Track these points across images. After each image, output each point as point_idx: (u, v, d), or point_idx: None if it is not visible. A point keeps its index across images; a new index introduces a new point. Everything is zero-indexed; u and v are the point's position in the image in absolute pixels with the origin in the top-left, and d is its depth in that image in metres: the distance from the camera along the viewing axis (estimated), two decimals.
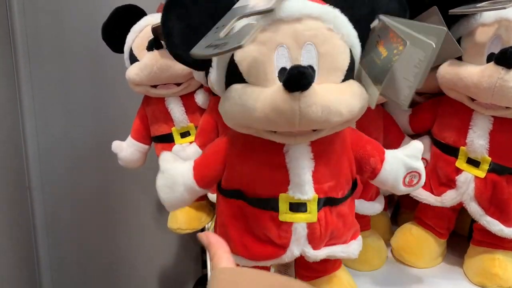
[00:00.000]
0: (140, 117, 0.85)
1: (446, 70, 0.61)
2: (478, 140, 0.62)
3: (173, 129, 0.81)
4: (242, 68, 0.46)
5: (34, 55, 1.02)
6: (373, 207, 0.71)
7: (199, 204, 0.89)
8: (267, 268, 0.59)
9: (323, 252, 0.54)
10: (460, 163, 0.65)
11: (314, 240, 0.53)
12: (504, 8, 0.53)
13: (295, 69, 0.42)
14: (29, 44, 1.01)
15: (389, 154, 0.55)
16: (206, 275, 1.13)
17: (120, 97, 0.95)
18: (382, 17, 0.50)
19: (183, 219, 0.86)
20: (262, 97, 0.44)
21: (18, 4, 0.99)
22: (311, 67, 0.46)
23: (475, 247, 0.70)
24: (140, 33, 0.79)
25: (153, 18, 0.78)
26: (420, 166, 0.56)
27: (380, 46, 0.48)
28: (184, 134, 0.81)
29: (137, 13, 0.81)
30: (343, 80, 0.48)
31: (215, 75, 0.51)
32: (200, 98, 0.80)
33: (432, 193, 0.69)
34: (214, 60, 0.50)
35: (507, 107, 0.58)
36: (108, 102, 1.04)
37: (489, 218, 0.65)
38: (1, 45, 0.97)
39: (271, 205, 0.51)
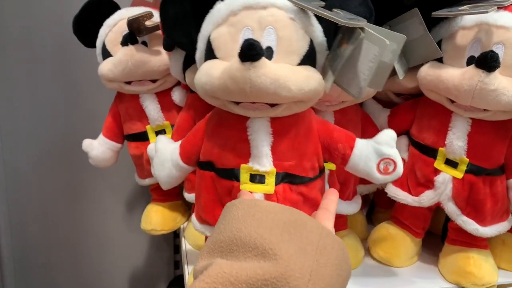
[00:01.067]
0: (112, 115, 0.82)
1: (427, 71, 0.62)
2: (457, 141, 0.63)
3: (147, 127, 0.78)
4: (214, 45, 0.54)
5: None
6: (350, 207, 0.72)
7: (174, 204, 0.87)
8: None
9: None
10: (439, 164, 0.66)
11: None
12: (486, 12, 0.54)
13: (246, 41, 0.48)
14: None
15: (360, 141, 0.59)
16: (179, 276, 1.11)
17: (91, 93, 0.91)
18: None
19: (157, 220, 0.84)
20: (223, 67, 0.51)
21: None
22: (269, 48, 0.52)
23: (450, 246, 0.71)
24: (113, 27, 0.75)
25: (128, 12, 0.75)
26: (394, 153, 0.58)
27: (343, 43, 0.52)
28: (160, 133, 0.78)
29: (111, 7, 0.77)
30: (299, 64, 0.53)
31: (198, 54, 0.57)
32: (177, 96, 0.78)
33: (410, 193, 0.70)
34: (200, 39, 0.56)
35: (485, 110, 0.59)
36: (78, 98, 1.00)
37: (465, 218, 0.66)
38: None
39: (235, 174, 0.56)
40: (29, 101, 1.00)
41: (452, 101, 0.61)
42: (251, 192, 0.54)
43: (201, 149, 0.60)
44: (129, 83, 0.75)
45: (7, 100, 1.00)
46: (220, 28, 0.53)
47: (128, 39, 0.71)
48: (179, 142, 0.62)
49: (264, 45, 0.51)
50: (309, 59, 0.53)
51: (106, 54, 0.76)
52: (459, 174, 0.64)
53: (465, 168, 0.63)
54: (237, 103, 0.53)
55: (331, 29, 0.55)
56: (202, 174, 0.60)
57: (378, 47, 0.49)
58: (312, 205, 0.59)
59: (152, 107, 0.77)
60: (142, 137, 0.79)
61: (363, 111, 0.73)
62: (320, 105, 0.65)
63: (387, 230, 0.75)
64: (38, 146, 1.03)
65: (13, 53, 0.97)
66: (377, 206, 0.89)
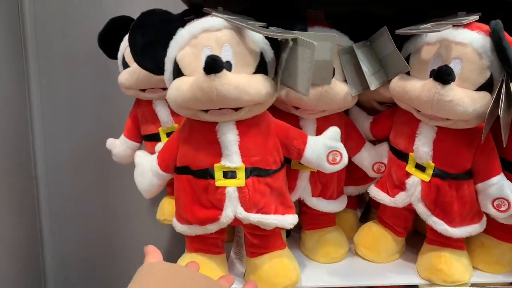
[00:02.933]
0: (131, 118, 0.93)
1: (396, 83, 0.68)
2: (422, 147, 0.68)
3: (160, 129, 0.88)
4: (181, 65, 0.62)
5: (43, 56, 1.11)
6: (332, 206, 0.78)
7: None
8: (221, 237, 0.72)
9: (255, 217, 0.65)
10: (410, 167, 0.71)
11: (245, 202, 0.64)
12: (438, 31, 0.59)
13: (209, 57, 0.56)
14: (39, 45, 1.11)
15: (311, 138, 0.69)
16: None
17: (118, 99, 1.03)
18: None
19: (169, 212, 0.94)
20: (191, 81, 0.59)
21: (29, 9, 1.09)
22: (228, 62, 0.61)
23: (427, 245, 0.76)
24: None
25: None
26: (340, 145, 0.67)
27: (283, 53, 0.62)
28: (170, 134, 0.88)
29: (130, 23, 0.88)
30: (254, 73, 0.62)
31: (166, 75, 0.66)
32: None
33: (388, 194, 0.76)
34: (167, 62, 0.65)
35: (447, 119, 0.64)
36: (108, 102, 1.13)
37: (435, 219, 0.71)
38: (13, 45, 1.06)
39: (210, 173, 0.64)
40: (68, 104, 1.15)
41: (419, 111, 0.67)
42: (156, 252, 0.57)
43: (176, 156, 0.68)
44: (143, 90, 0.86)
45: (50, 104, 1.14)
46: (184, 50, 0.63)
47: None
48: (156, 154, 0.71)
49: (223, 60, 0.59)
50: (261, 68, 0.63)
51: (125, 65, 0.87)
52: (426, 177, 0.69)
53: (432, 172, 0.68)
54: (206, 111, 0.62)
55: (275, 43, 0.64)
56: (179, 178, 0.68)
57: (310, 49, 0.57)
58: (278, 194, 0.68)
59: (163, 112, 0.87)
60: (156, 138, 0.89)
61: (347, 118, 0.79)
62: (302, 113, 0.73)
63: (370, 228, 0.81)
64: (75, 144, 1.17)
65: (56, 63, 1.12)
66: (372, 207, 0.95)
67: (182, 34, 0.63)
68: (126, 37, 0.87)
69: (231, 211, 0.65)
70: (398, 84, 0.67)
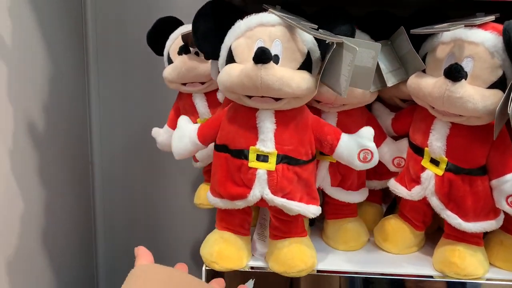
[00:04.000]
0: (174, 109, 1.02)
1: (412, 81, 0.71)
2: (436, 142, 0.71)
3: (198, 120, 0.96)
4: (234, 52, 0.69)
5: (102, 51, 1.24)
6: (351, 196, 0.83)
7: None
8: (248, 219, 0.78)
9: (280, 200, 0.70)
10: (425, 161, 0.74)
11: (272, 185, 0.69)
12: (449, 30, 0.63)
13: (259, 48, 0.62)
14: (98, 41, 1.24)
15: (345, 135, 0.72)
16: None
17: (167, 91, 1.12)
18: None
19: (204, 196, 1.02)
20: (240, 68, 0.65)
21: (91, 8, 1.22)
22: (276, 55, 0.66)
23: (444, 239, 0.78)
24: (175, 40, 0.95)
25: (187, 28, 0.94)
26: (372, 145, 0.70)
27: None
28: None
29: (175, 23, 0.97)
30: (298, 69, 0.67)
31: (221, 60, 0.72)
32: (221, 96, 0.95)
33: (406, 188, 0.79)
34: (223, 49, 0.72)
35: (460, 115, 0.67)
36: (159, 94, 1.24)
37: (449, 212, 0.73)
38: (75, 41, 1.20)
39: (245, 154, 0.70)
40: (122, 96, 1.27)
41: (433, 107, 0.70)
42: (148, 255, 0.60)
43: (217, 132, 0.74)
44: (184, 84, 0.94)
45: (106, 95, 1.27)
46: (239, 40, 0.69)
47: (183, 50, 0.89)
48: (198, 124, 0.78)
49: (272, 53, 0.65)
50: (306, 65, 0.68)
51: (169, 61, 0.95)
52: (439, 171, 0.72)
53: (445, 166, 0.71)
54: (250, 97, 0.67)
55: (323, 44, 0.68)
56: (218, 155, 0.74)
57: (352, 54, 0.61)
58: (304, 184, 0.72)
59: (201, 104, 0.95)
60: None
61: (369, 114, 0.83)
62: (323, 106, 0.78)
63: (389, 221, 0.84)
64: (128, 133, 1.29)
65: (113, 58, 1.24)
66: (397, 203, 0.97)
67: (240, 25, 0.69)
68: (172, 36, 0.96)
69: (258, 191, 0.70)
70: (414, 81, 0.71)
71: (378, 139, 0.82)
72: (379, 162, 0.83)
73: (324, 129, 0.72)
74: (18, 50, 0.93)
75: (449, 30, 0.63)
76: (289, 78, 0.64)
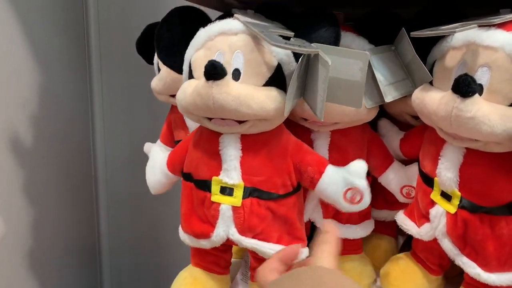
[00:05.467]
0: (167, 123, 0.93)
1: (417, 95, 0.58)
2: (445, 172, 0.57)
3: (187, 135, 0.88)
4: (193, 66, 0.59)
5: (105, 58, 1.19)
6: (349, 232, 0.70)
7: None
8: (224, 256, 0.68)
9: (249, 242, 0.59)
10: (435, 195, 0.60)
11: (239, 224, 0.59)
12: (454, 32, 0.49)
13: (209, 62, 0.51)
14: (101, 48, 1.18)
15: (331, 168, 0.60)
16: None
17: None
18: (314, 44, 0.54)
19: None
20: (194, 86, 0.55)
21: (93, 13, 1.17)
22: (237, 70, 0.56)
23: None
24: None
25: None
26: (361, 184, 0.57)
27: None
28: None
29: None
30: (264, 85, 0.56)
31: (183, 76, 0.63)
32: None
33: (416, 224, 0.65)
34: (184, 62, 0.62)
35: (476, 140, 0.53)
36: (164, 106, 1.16)
37: (465, 259, 0.59)
38: (77, 48, 1.15)
39: (208, 186, 0.60)
40: (127, 107, 1.21)
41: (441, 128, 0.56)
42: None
43: (185, 160, 0.65)
44: (173, 96, 0.85)
45: (110, 107, 1.21)
46: (199, 52, 0.59)
47: None
48: (168, 153, 0.69)
49: (232, 67, 0.55)
50: (275, 81, 0.56)
51: (159, 71, 0.88)
52: (452, 208, 0.57)
53: (458, 203, 0.56)
54: (210, 119, 0.58)
55: (299, 54, 0.56)
56: (184, 184, 0.66)
57: (325, 69, 0.50)
58: (283, 222, 0.61)
59: None
60: None
61: (372, 132, 0.70)
62: (312, 125, 0.66)
63: (397, 261, 0.70)
64: (132, 145, 1.22)
65: (116, 62, 1.19)
66: None
67: (200, 34, 0.60)
68: None
69: (223, 231, 0.60)
70: (418, 96, 0.57)
71: (383, 163, 0.69)
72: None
73: (306, 158, 0.60)
74: (18, 66, 0.91)
75: (455, 32, 0.49)
76: (248, 96, 0.53)
